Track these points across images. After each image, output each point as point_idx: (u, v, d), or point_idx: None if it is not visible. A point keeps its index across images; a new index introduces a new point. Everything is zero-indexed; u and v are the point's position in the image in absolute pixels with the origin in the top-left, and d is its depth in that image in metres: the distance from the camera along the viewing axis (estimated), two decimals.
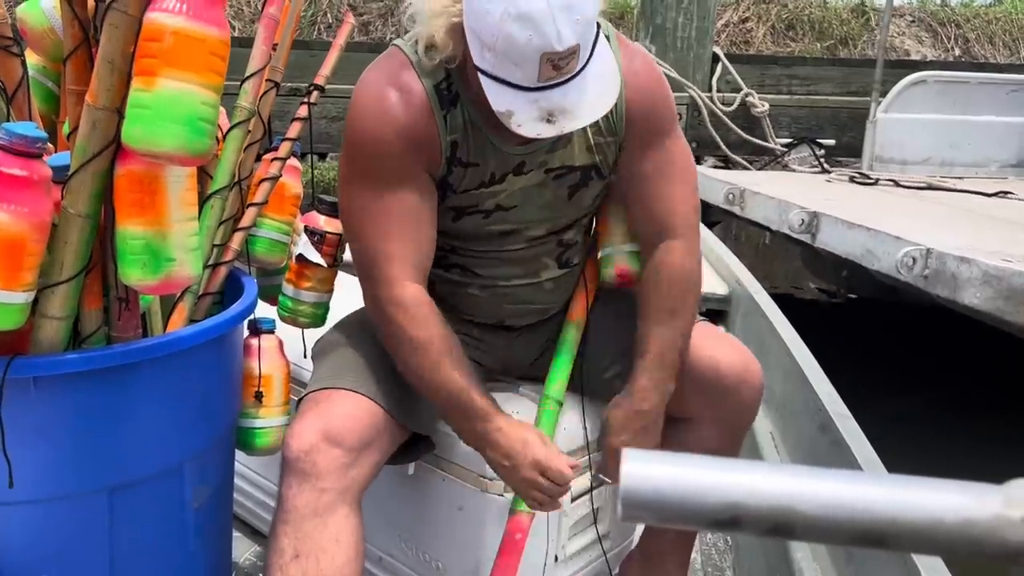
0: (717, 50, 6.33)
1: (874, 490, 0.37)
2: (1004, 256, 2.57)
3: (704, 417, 1.45)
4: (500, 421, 1.29)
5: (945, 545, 0.37)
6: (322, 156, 6.61)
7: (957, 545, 0.36)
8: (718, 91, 6.16)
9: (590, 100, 1.20)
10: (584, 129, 1.36)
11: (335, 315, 1.54)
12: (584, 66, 1.18)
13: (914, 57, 7.82)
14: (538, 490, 1.30)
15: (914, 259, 2.71)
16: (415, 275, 1.32)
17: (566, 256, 1.49)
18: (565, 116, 1.18)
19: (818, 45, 7.96)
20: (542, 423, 1.39)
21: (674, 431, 1.51)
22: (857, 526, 0.37)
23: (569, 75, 1.17)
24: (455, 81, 1.31)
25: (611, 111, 1.35)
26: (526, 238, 1.43)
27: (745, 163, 6.05)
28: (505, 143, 1.34)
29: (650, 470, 0.38)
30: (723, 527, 0.37)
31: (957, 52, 8.18)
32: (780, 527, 0.37)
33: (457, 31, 1.21)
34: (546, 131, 1.18)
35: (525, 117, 1.17)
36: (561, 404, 1.44)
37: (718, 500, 0.37)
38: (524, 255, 1.45)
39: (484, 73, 1.17)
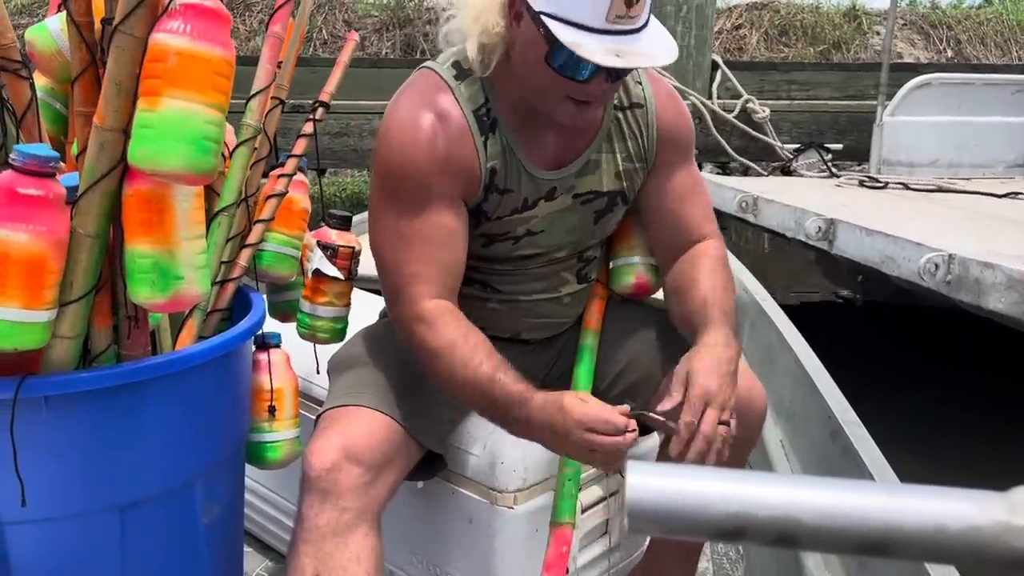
0: (716, 57, 6.35)
1: (878, 499, 0.38)
2: None
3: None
4: (536, 399, 1.22)
5: (950, 553, 0.37)
6: (321, 172, 6.66)
7: (962, 553, 0.36)
8: (718, 98, 6.18)
9: (654, 49, 1.21)
10: (614, 155, 1.41)
11: (351, 330, 1.54)
12: (644, 26, 1.21)
13: (907, 60, 7.85)
14: (595, 449, 1.19)
15: (936, 265, 2.71)
16: (441, 294, 1.31)
17: (585, 271, 1.52)
18: (632, 55, 1.19)
19: (811, 50, 7.99)
20: None
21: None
22: (861, 535, 0.37)
23: (634, 26, 1.19)
24: (493, 106, 1.32)
25: (643, 139, 1.42)
26: (549, 259, 1.45)
27: (756, 168, 6.06)
28: (538, 168, 1.36)
29: (656, 482, 0.38)
30: (728, 538, 0.38)
31: (950, 54, 8.20)
32: (785, 537, 0.37)
33: (507, 10, 1.24)
34: (615, 62, 1.17)
35: (594, 49, 1.16)
36: None
37: (723, 511, 0.37)
38: (545, 272, 1.46)
39: (549, 16, 1.17)
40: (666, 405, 1.21)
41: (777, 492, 0.38)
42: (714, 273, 1.41)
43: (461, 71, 1.33)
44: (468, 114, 1.30)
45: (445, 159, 1.28)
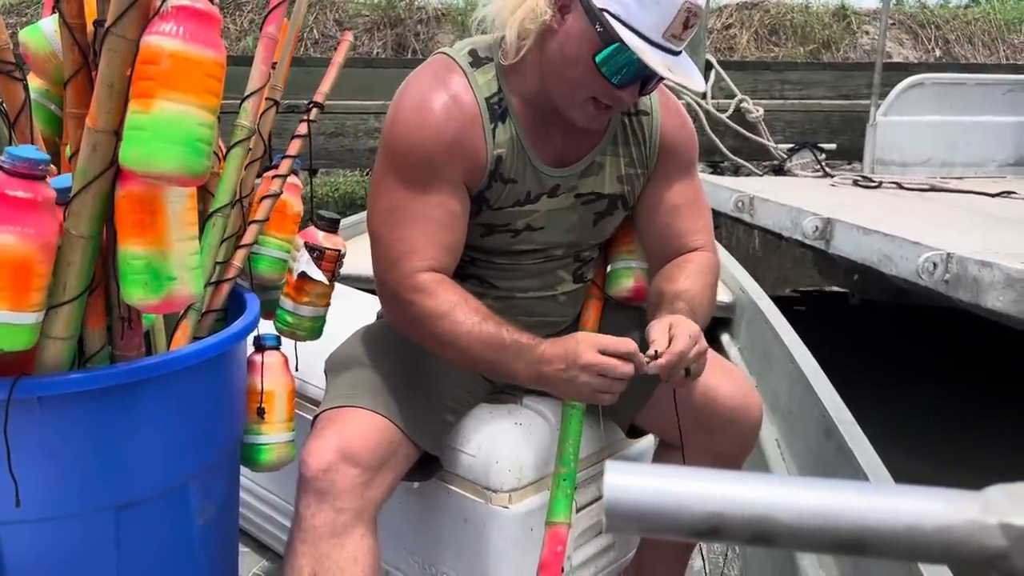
0: (710, 57, 6.37)
1: (853, 498, 0.38)
2: None
3: (697, 447, 1.43)
4: (547, 342, 1.26)
5: (924, 552, 0.37)
6: (312, 172, 6.70)
7: (936, 551, 0.37)
8: (713, 98, 6.20)
9: (691, 74, 1.25)
10: (618, 159, 1.43)
11: (340, 328, 1.55)
12: (680, 52, 1.25)
13: (896, 59, 7.91)
14: (601, 374, 1.21)
15: (935, 264, 2.72)
16: (437, 269, 1.32)
17: (581, 271, 1.53)
18: (679, 74, 1.22)
19: (801, 49, 8.04)
20: (570, 429, 1.39)
21: (666, 459, 1.52)
22: (836, 534, 0.37)
23: (677, 48, 1.23)
24: (506, 95, 1.33)
25: (645, 146, 1.43)
26: (546, 256, 1.46)
27: (749, 167, 6.09)
28: (543, 164, 1.37)
29: (632, 481, 0.39)
30: (705, 536, 0.38)
31: (938, 53, 8.27)
32: (760, 536, 0.37)
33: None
34: (669, 75, 1.21)
35: (652, 59, 1.19)
36: (584, 411, 1.43)
37: (699, 510, 0.38)
38: (542, 269, 1.47)
39: (611, 15, 1.20)
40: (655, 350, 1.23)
41: (753, 492, 0.38)
42: (694, 276, 1.42)
43: (477, 59, 1.34)
44: (480, 100, 1.31)
45: (453, 141, 1.29)
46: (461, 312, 1.27)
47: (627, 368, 1.22)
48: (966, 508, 0.37)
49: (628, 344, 1.22)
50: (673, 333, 1.23)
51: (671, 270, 1.45)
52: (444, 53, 1.36)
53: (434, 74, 1.32)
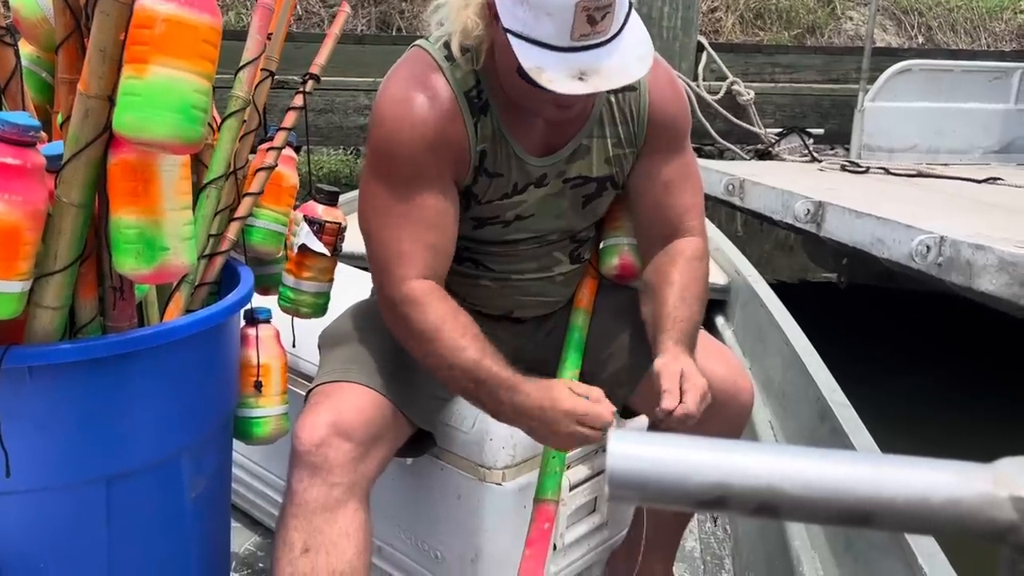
0: (702, 39, 6.37)
1: (861, 469, 0.37)
2: (1016, 242, 2.58)
3: (687, 430, 1.42)
4: (526, 386, 1.22)
5: (932, 524, 0.36)
6: (298, 148, 6.67)
7: (944, 524, 0.36)
8: (704, 80, 6.20)
9: (624, 63, 1.17)
10: (605, 140, 1.38)
11: (335, 305, 1.54)
12: (618, 33, 1.17)
13: (879, 45, 7.95)
14: (581, 438, 1.20)
15: (928, 247, 2.72)
16: (428, 275, 1.30)
17: (578, 252, 1.51)
18: (598, 76, 1.15)
19: (786, 34, 8.05)
20: None
21: None
22: (843, 505, 0.37)
23: (603, 38, 1.15)
24: (485, 89, 1.30)
25: (633, 124, 1.39)
26: (541, 241, 1.44)
27: (735, 150, 6.11)
28: (528, 154, 1.35)
29: (637, 450, 0.38)
30: (709, 507, 0.37)
31: (920, 39, 8.30)
32: (766, 506, 0.37)
33: (486, 10, 1.21)
34: (579, 88, 1.14)
35: (556, 74, 1.13)
36: None
37: (704, 480, 0.37)
38: (537, 253, 1.46)
39: (514, 34, 1.15)
40: (668, 405, 1.21)
41: (759, 461, 0.37)
42: (686, 278, 1.39)
43: (452, 53, 1.30)
44: (459, 95, 1.29)
45: (435, 139, 1.27)
46: (446, 334, 1.24)
47: (595, 408, 1.19)
48: (976, 480, 0.36)
49: (606, 415, 1.20)
50: (684, 388, 1.21)
51: (665, 266, 1.41)
52: (420, 47, 1.33)
53: (411, 72, 1.30)
